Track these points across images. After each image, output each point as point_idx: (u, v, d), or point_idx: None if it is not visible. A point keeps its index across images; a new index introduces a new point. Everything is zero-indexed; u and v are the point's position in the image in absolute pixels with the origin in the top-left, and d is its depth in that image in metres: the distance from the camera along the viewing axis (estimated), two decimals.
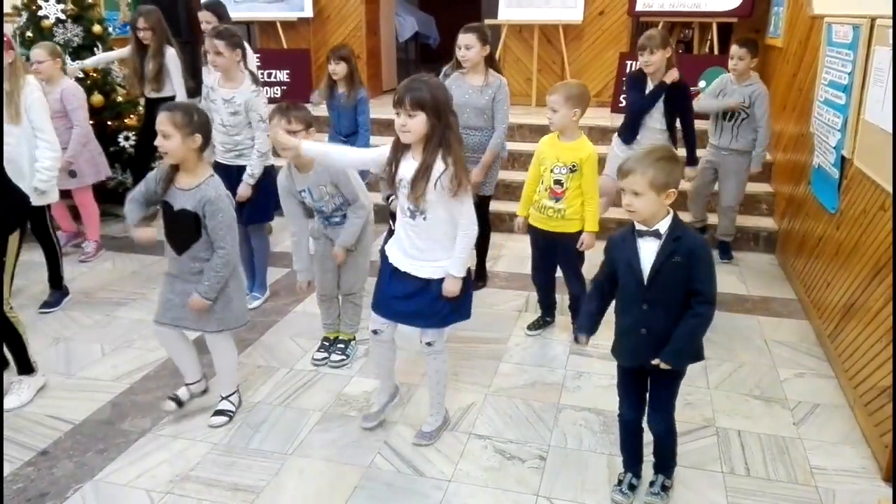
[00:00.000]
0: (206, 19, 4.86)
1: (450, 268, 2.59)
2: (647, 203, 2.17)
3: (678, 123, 4.25)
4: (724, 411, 3.06)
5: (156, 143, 2.68)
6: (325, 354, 3.48)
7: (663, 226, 2.21)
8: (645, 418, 2.49)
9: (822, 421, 3.00)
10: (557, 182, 3.39)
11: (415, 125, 2.42)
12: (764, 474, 2.66)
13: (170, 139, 2.65)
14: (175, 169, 2.76)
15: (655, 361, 2.28)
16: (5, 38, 3.61)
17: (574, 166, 3.35)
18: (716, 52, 6.46)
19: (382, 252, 2.74)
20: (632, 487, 2.53)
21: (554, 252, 3.58)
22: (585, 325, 2.50)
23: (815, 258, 3.91)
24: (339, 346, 3.49)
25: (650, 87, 4.15)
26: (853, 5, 3.52)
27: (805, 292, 4.06)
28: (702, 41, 6.88)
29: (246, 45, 4.90)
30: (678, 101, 4.15)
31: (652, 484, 2.52)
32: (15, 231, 3.02)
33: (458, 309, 2.70)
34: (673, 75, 4.08)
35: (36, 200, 3.65)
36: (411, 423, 2.96)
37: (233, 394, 3.04)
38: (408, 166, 2.51)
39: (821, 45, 3.99)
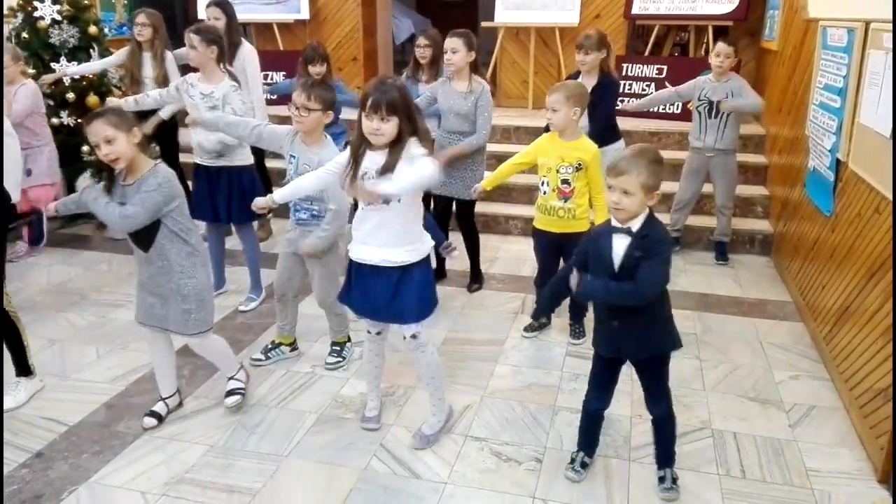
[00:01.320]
0: (213, 16, 4.81)
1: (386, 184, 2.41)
2: (635, 202, 2.29)
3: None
4: (720, 413, 3.07)
5: (102, 153, 2.54)
6: (262, 357, 3.47)
7: (636, 224, 2.33)
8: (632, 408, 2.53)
9: (818, 423, 3.01)
10: (565, 182, 3.41)
11: (389, 129, 2.44)
12: (760, 476, 2.67)
13: (115, 142, 2.53)
14: (111, 175, 2.66)
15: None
16: None
17: (580, 164, 3.38)
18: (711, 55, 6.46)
19: (349, 267, 2.73)
20: (584, 465, 2.65)
21: (559, 254, 3.58)
22: (545, 307, 2.82)
23: (810, 261, 3.92)
24: (334, 348, 3.49)
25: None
26: (848, 9, 3.54)
27: (800, 295, 4.07)
28: (697, 44, 6.89)
29: (248, 44, 4.90)
30: (600, 92, 4.12)
31: (662, 479, 2.56)
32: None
33: (434, 293, 2.75)
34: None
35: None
36: (407, 424, 2.96)
37: (238, 370, 3.05)
38: (372, 160, 2.51)
39: (816, 48, 4.01)
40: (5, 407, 3.03)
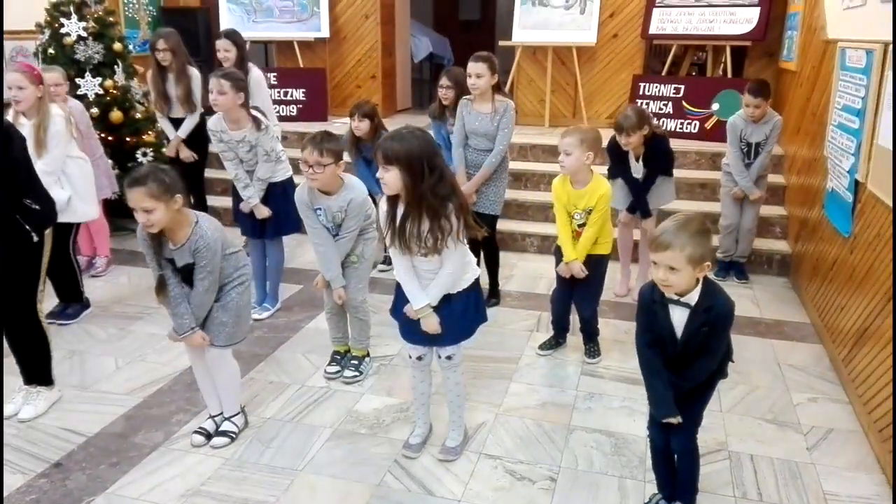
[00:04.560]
0: (223, 48, 4.94)
1: (430, 298, 2.64)
2: (683, 278, 2.13)
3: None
4: (737, 435, 3.05)
5: (140, 221, 2.57)
6: (338, 368, 3.50)
7: (692, 298, 2.19)
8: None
9: (836, 446, 2.98)
10: (581, 226, 3.49)
11: (389, 178, 2.46)
12: (777, 499, 2.64)
13: (154, 213, 2.54)
14: (158, 233, 2.67)
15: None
16: (35, 72, 3.70)
17: (591, 210, 3.44)
18: (729, 75, 6.48)
19: (398, 285, 2.76)
20: None
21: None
22: (668, 407, 2.30)
23: (828, 282, 3.90)
24: (352, 362, 3.51)
25: (632, 159, 4.22)
26: (867, 30, 3.54)
27: (818, 316, 4.03)
28: (715, 64, 6.90)
29: (259, 73, 5.00)
30: (657, 154, 4.19)
31: None
32: (49, 227, 3.10)
33: (477, 316, 2.78)
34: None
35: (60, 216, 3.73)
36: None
37: (237, 414, 3.01)
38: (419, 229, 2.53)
39: (834, 69, 4.01)
40: (25, 416, 3.08)
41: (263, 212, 4.00)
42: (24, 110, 3.71)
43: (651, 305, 2.27)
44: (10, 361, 3.17)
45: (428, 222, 2.48)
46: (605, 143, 3.98)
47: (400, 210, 2.55)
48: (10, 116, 3.81)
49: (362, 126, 4.43)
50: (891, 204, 2.94)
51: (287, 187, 4.04)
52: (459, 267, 2.64)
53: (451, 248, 2.55)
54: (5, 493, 2.60)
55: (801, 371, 3.62)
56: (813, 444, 2.99)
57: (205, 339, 2.80)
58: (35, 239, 3.01)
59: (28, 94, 3.65)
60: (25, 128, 3.65)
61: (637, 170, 4.23)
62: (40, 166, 3.61)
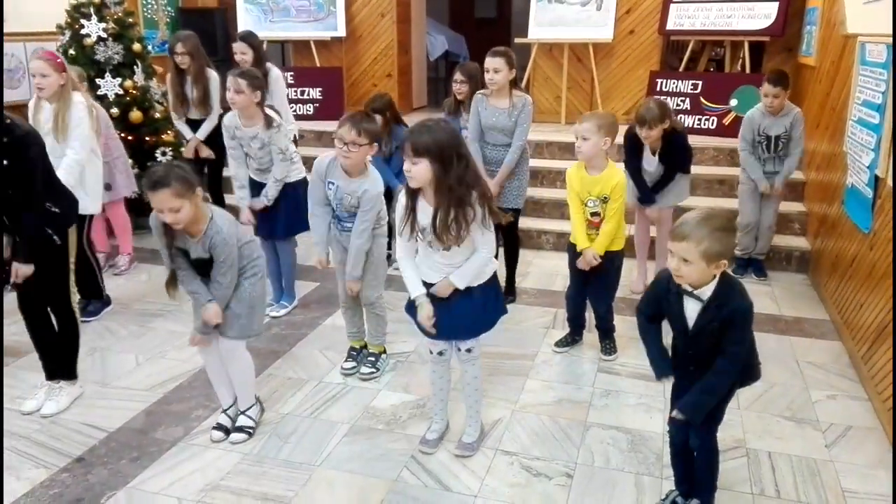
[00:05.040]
0: (240, 50, 5.02)
1: (452, 277, 2.64)
2: (695, 271, 2.10)
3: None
4: (755, 432, 3.03)
5: (168, 221, 2.58)
6: (354, 364, 3.52)
7: (706, 292, 2.16)
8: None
9: (855, 443, 2.95)
10: (594, 214, 3.47)
11: (418, 171, 2.45)
12: (794, 497, 2.63)
13: (181, 211, 2.56)
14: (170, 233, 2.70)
15: (674, 413, 2.29)
16: (58, 60, 3.78)
17: (606, 197, 3.41)
18: (747, 70, 6.42)
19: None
20: None
21: (592, 270, 3.58)
22: (663, 367, 2.35)
23: (848, 278, 3.86)
24: (369, 358, 3.53)
25: (647, 151, 4.21)
26: (886, 25, 3.50)
27: (838, 313, 4.00)
28: (733, 60, 6.85)
29: (278, 73, 5.06)
30: (675, 150, 4.18)
31: None
32: (72, 225, 3.17)
33: (497, 307, 2.79)
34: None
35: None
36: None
37: (251, 407, 3.04)
38: (424, 213, 2.55)
39: (854, 64, 3.97)
40: (48, 412, 3.13)
41: (256, 204, 4.01)
42: (47, 97, 3.80)
43: (666, 294, 2.27)
44: (27, 360, 3.23)
45: (453, 212, 2.48)
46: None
47: (420, 203, 2.55)
48: (32, 102, 3.94)
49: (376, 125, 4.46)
50: None
51: (299, 188, 4.04)
52: (490, 256, 2.65)
53: (479, 234, 2.56)
54: (29, 487, 2.66)
55: (820, 368, 3.59)
56: (832, 441, 2.97)
57: (218, 316, 2.80)
58: (58, 242, 3.07)
59: (51, 81, 3.73)
60: (47, 111, 3.79)
61: (651, 163, 4.20)
62: (71, 155, 3.71)
